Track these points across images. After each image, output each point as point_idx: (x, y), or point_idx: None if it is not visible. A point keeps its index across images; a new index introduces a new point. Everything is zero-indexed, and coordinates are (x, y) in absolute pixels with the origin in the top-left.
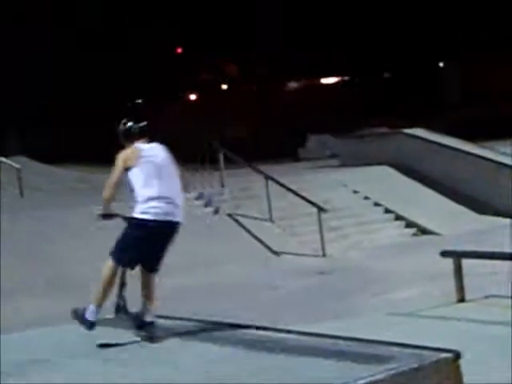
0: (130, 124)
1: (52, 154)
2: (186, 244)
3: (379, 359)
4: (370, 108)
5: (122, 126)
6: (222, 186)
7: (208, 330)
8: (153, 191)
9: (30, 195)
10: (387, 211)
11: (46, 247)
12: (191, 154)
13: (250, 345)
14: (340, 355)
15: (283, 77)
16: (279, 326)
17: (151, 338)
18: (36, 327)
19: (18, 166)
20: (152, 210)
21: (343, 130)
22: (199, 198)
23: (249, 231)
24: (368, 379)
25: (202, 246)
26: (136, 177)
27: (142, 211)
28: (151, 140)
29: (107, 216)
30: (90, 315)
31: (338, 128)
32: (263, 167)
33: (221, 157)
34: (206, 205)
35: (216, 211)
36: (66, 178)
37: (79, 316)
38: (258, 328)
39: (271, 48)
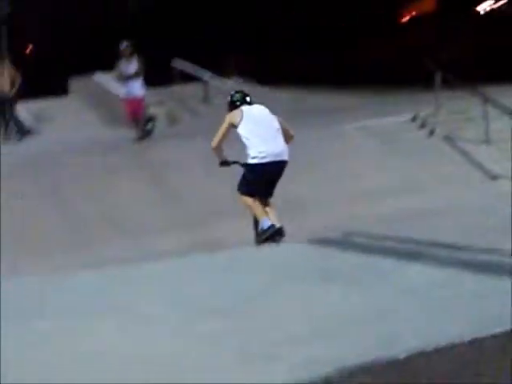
0: (236, 96)
1: (267, 76)
2: (401, 166)
3: None
4: None
5: (229, 98)
6: (438, 107)
7: (426, 251)
8: (258, 141)
9: None
10: None
11: None
12: (407, 75)
13: (471, 266)
14: None
15: None
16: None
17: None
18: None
19: (234, 87)
20: (260, 155)
21: None
22: (414, 119)
23: (465, 154)
24: None
25: (415, 168)
26: (243, 131)
27: (252, 157)
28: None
29: (224, 163)
30: (265, 223)
31: None
32: (482, 89)
33: (437, 78)
34: (421, 126)
35: (431, 133)
36: (281, 100)
37: (262, 232)
38: (477, 250)
39: None
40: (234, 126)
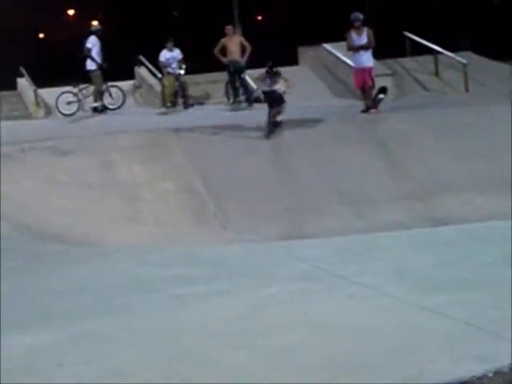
0: None
1: (497, 49)
2: None
3: None
4: None
5: None
6: None
7: None
8: None
9: (476, 91)
10: None
11: (492, 143)
12: None
13: None
14: None
15: None
16: None
17: None
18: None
19: (464, 61)
20: None
21: None
22: None
23: None
24: None
25: None
26: None
27: None
28: None
29: None
30: None
31: None
32: None
33: None
34: None
35: None
36: (510, 75)
37: None
38: None
39: None
40: None
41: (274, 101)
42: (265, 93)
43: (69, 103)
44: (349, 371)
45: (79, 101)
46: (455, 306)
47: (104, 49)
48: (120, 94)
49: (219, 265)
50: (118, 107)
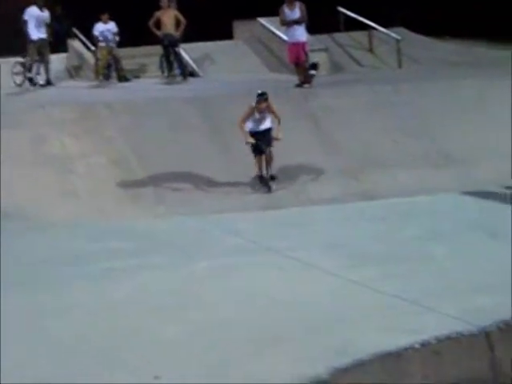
0: None
1: (430, 25)
2: None
3: None
4: None
5: None
6: None
7: None
8: None
9: (409, 67)
10: None
11: (423, 119)
12: None
13: None
14: None
15: None
16: None
17: None
18: (411, 195)
19: (397, 37)
20: None
21: None
22: None
23: None
24: None
25: None
26: None
27: None
28: None
29: None
30: None
31: None
32: None
33: None
34: None
35: None
36: (443, 51)
37: None
38: None
39: None
40: None
41: (268, 143)
42: (255, 134)
43: (17, 73)
44: (277, 343)
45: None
46: (384, 279)
47: (51, 21)
48: (49, 66)
49: (151, 239)
50: (49, 81)
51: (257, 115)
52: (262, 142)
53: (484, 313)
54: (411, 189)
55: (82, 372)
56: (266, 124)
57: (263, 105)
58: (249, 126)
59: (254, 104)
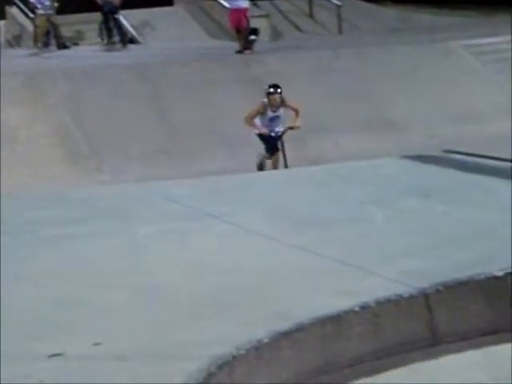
0: None
1: None
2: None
3: None
4: None
5: None
6: None
7: None
8: None
9: (349, 33)
10: None
11: (364, 85)
12: None
13: None
14: None
15: None
16: None
17: None
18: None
19: (338, 3)
20: None
21: None
22: None
23: None
24: None
25: None
26: None
27: None
28: None
29: None
30: None
31: None
32: None
33: None
34: None
35: None
36: (385, 17)
37: None
38: None
39: None
40: None
41: (277, 149)
42: (267, 138)
43: None
44: (217, 309)
45: None
46: (325, 243)
47: None
48: None
49: (92, 206)
50: None
51: (270, 113)
52: (270, 146)
53: (423, 275)
54: (353, 153)
55: (16, 341)
56: (279, 127)
57: (277, 99)
58: (259, 126)
59: (265, 100)
